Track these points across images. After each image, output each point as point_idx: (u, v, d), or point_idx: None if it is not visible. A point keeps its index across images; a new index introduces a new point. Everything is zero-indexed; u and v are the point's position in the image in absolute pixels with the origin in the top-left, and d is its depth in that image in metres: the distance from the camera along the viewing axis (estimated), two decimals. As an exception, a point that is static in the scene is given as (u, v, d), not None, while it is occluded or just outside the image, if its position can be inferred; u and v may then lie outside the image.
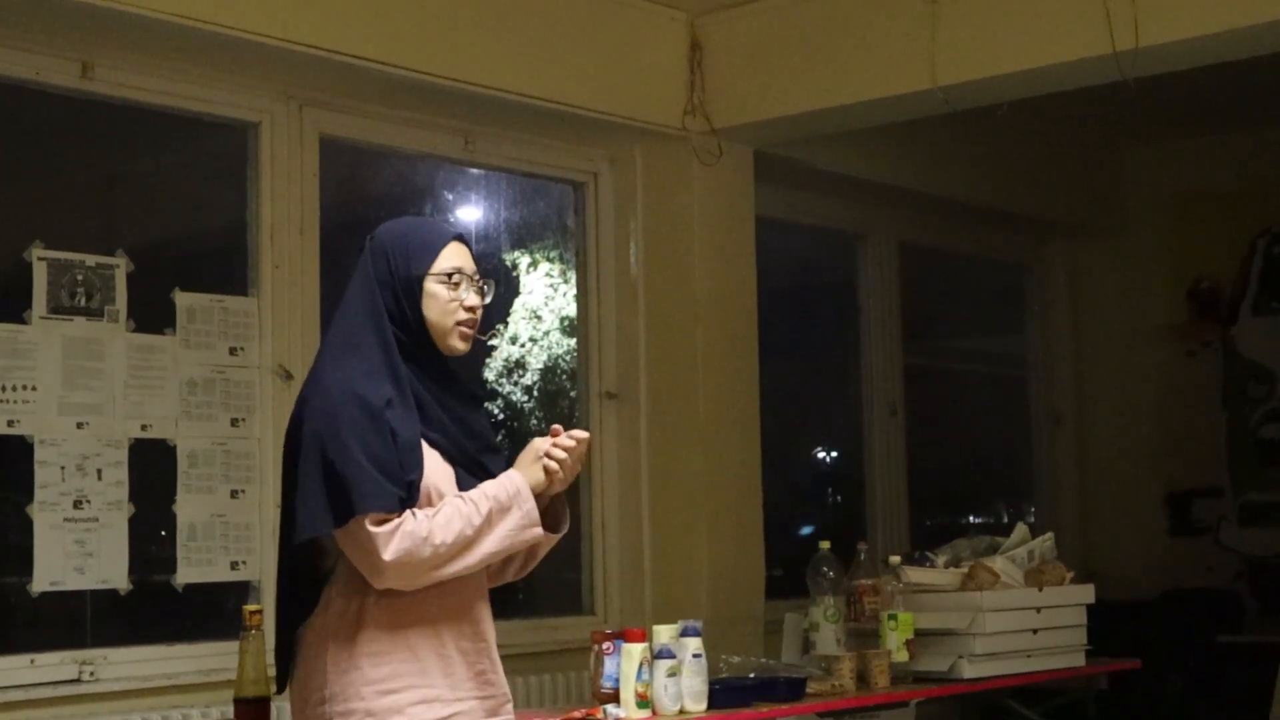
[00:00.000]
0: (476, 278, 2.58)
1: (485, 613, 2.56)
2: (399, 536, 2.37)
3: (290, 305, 4.10)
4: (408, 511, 2.41)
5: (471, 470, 2.56)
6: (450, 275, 2.53)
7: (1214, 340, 6.66)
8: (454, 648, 2.48)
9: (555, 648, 4.46)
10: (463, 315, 2.54)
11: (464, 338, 2.56)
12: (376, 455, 2.38)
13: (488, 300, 2.61)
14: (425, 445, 2.49)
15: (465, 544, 2.42)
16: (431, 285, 2.53)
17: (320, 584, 2.48)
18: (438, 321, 2.53)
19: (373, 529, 2.37)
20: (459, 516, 2.42)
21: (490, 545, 2.45)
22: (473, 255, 2.61)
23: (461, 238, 2.60)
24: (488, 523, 2.44)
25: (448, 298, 2.53)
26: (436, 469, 2.50)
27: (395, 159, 4.58)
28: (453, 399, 2.57)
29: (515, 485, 2.48)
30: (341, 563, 2.46)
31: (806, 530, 6.01)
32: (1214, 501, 6.60)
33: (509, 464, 2.58)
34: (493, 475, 2.57)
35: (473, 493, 2.47)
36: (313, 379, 2.51)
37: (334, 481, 2.38)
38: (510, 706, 2.59)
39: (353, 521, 2.38)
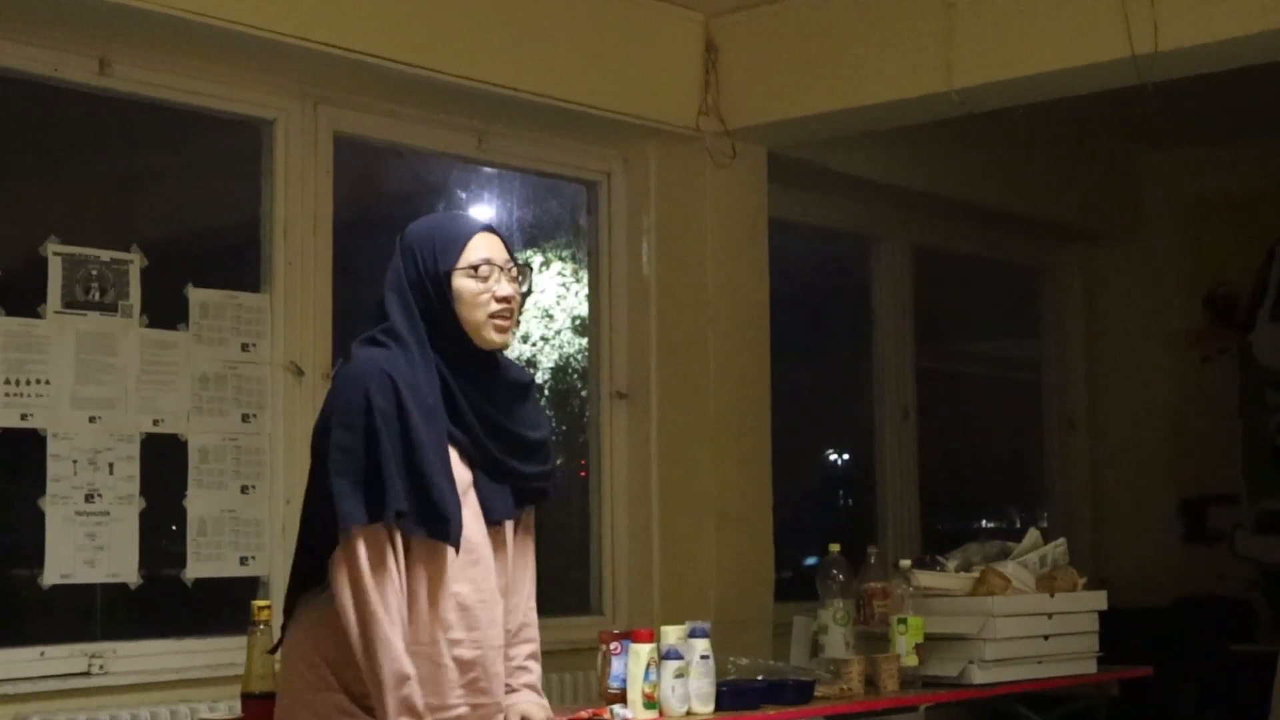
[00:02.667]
0: (510, 266, 2.55)
1: (490, 619, 2.52)
2: (349, 581, 2.36)
3: (303, 302, 4.11)
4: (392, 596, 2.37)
5: (493, 474, 2.53)
6: (477, 268, 2.50)
7: (1230, 347, 6.63)
8: (448, 656, 2.46)
9: (562, 647, 4.45)
10: (495, 307, 2.50)
11: (499, 329, 2.52)
12: (393, 461, 2.37)
13: (525, 288, 2.58)
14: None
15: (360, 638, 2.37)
16: (459, 280, 2.50)
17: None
18: (469, 316, 2.50)
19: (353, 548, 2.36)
20: (380, 654, 2.36)
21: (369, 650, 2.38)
22: (506, 245, 2.58)
23: (490, 228, 2.58)
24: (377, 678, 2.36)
25: (477, 291, 2.50)
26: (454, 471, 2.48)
27: (409, 157, 4.59)
28: (494, 397, 2.53)
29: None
30: None
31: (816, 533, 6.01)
32: (1229, 509, 6.57)
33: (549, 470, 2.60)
34: (519, 476, 2.55)
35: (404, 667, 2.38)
36: (342, 376, 2.48)
37: (371, 480, 2.37)
38: (502, 716, 2.57)
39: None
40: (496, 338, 2.52)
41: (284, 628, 2.55)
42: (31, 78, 3.72)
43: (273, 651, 2.62)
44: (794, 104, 4.72)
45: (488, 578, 2.53)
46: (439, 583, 2.45)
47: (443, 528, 2.42)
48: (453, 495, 2.43)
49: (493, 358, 2.55)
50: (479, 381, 2.52)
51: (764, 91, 4.76)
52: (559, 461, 5.05)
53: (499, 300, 2.51)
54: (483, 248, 2.53)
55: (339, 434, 2.39)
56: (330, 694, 2.43)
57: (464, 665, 2.48)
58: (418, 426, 2.40)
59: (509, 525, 2.59)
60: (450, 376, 2.48)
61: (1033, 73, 4.33)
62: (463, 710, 2.48)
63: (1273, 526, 6.46)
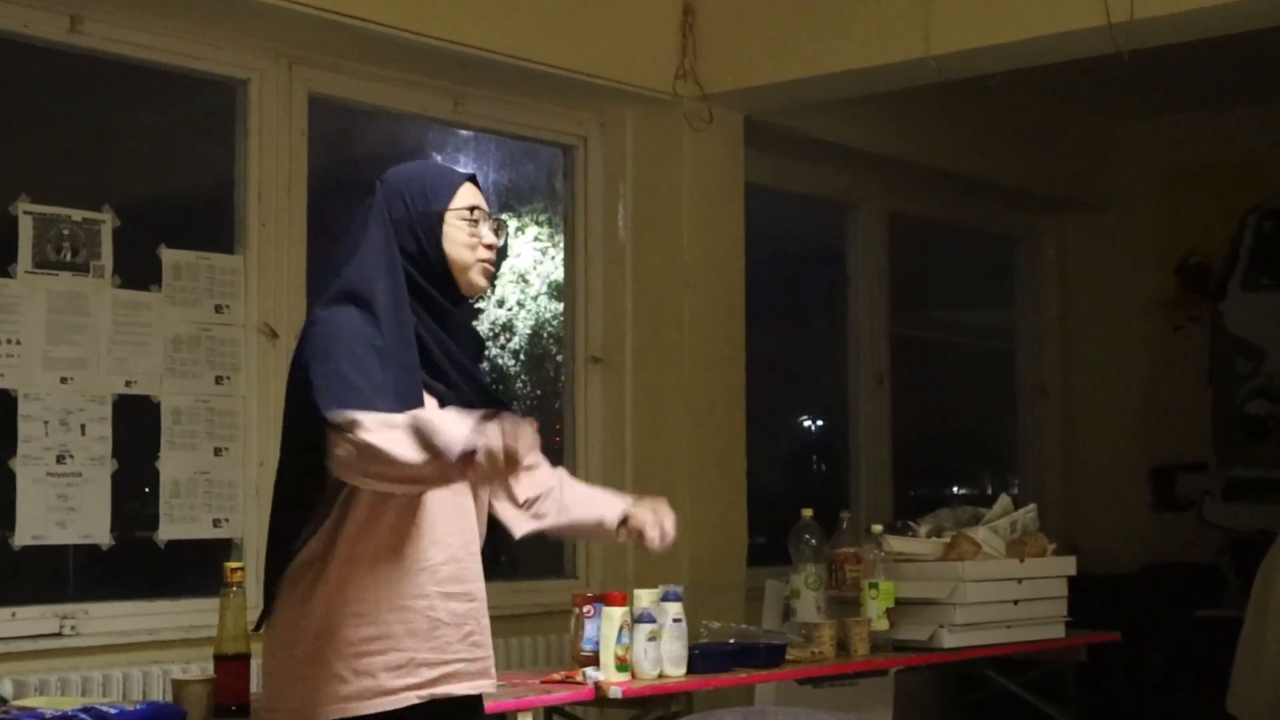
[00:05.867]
0: (493, 219, 2.57)
1: (477, 572, 2.52)
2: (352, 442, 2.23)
3: (277, 264, 4.09)
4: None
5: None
6: (470, 211, 2.52)
7: (1202, 316, 6.68)
8: (443, 610, 2.45)
9: (536, 610, 4.47)
10: (484, 252, 2.52)
11: (486, 274, 2.54)
12: (363, 367, 2.31)
13: (502, 241, 2.59)
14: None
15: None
16: (453, 221, 2.51)
17: (313, 507, 2.41)
18: (459, 258, 2.50)
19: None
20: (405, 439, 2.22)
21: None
22: (485, 197, 2.60)
23: (474, 179, 2.59)
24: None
25: (469, 233, 2.51)
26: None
27: (384, 119, 4.57)
28: (460, 349, 2.53)
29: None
30: (332, 517, 2.42)
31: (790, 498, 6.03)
32: (1198, 477, 6.63)
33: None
34: None
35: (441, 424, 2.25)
36: (321, 328, 2.42)
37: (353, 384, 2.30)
38: (494, 670, 2.56)
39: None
40: (481, 282, 2.54)
41: (269, 602, 2.49)
42: (1, 34, 3.68)
43: (258, 628, 2.59)
44: (771, 69, 4.71)
45: (472, 529, 2.53)
46: (425, 533, 2.44)
47: None
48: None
49: (466, 306, 2.56)
50: (451, 330, 2.52)
51: (741, 56, 4.74)
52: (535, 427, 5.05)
53: (488, 246, 2.53)
54: (472, 195, 2.55)
55: (318, 358, 2.34)
56: (325, 667, 2.39)
57: (459, 619, 2.47)
58: (391, 359, 2.37)
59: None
60: (424, 329, 2.47)
61: (1010, 40, 4.33)
62: (460, 666, 2.47)
63: (1241, 494, 6.53)
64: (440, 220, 2.50)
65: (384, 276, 2.44)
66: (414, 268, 2.47)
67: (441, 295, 2.50)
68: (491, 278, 2.56)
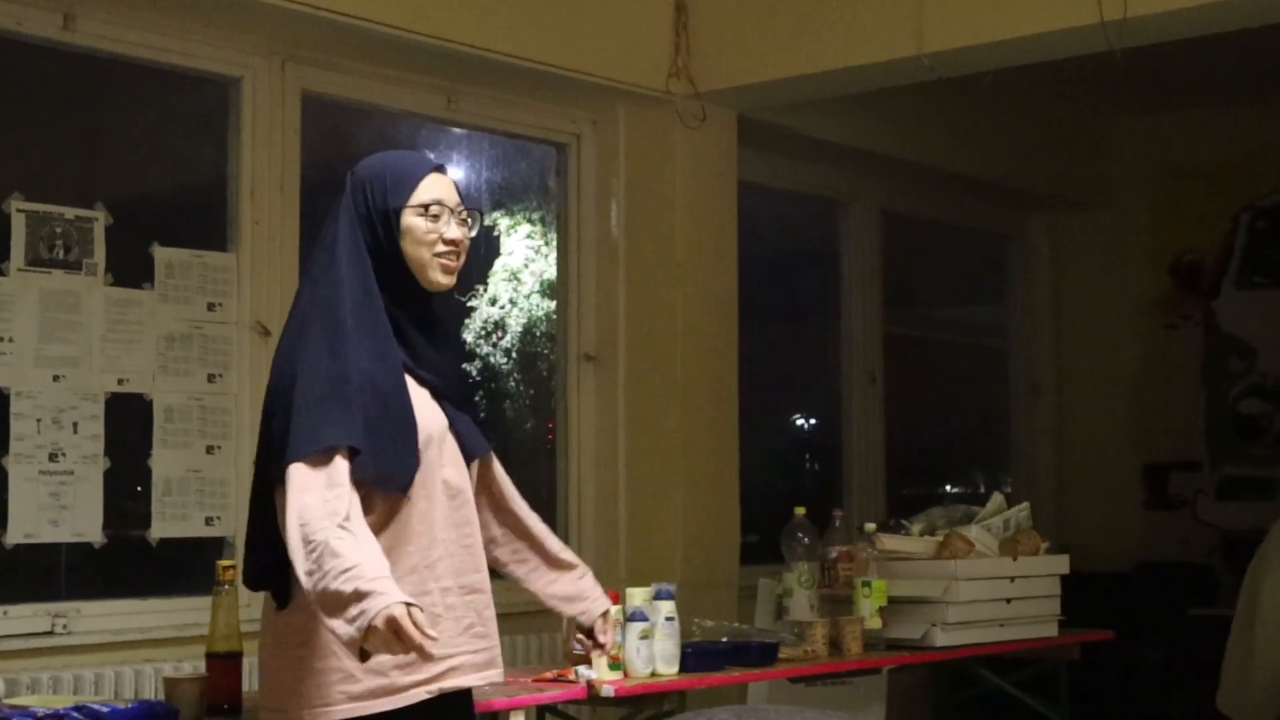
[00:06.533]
0: (460, 209, 2.52)
1: (475, 565, 2.52)
2: (295, 502, 2.27)
3: (269, 262, 4.09)
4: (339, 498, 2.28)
5: (460, 403, 2.53)
6: (428, 207, 2.48)
7: (1195, 314, 6.68)
8: (441, 605, 2.45)
9: (528, 609, 4.41)
10: (441, 248, 2.47)
11: (446, 270, 2.49)
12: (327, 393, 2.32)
13: (473, 233, 2.55)
14: (414, 384, 2.45)
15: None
16: (409, 218, 2.47)
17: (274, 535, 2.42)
18: (415, 255, 2.47)
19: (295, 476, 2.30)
20: (311, 559, 2.22)
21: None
22: (456, 188, 2.55)
23: (442, 169, 2.55)
24: (322, 588, 2.21)
25: (425, 229, 2.47)
26: (426, 409, 2.46)
27: (377, 117, 4.56)
28: (436, 336, 2.52)
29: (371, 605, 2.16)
30: None
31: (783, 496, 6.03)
32: (1191, 475, 6.64)
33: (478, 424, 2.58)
34: (472, 417, 2.55)
35: (352, 563, 2.20)
36: (286, 340, 2.47)
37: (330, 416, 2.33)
38: (500, 659, 2.55)
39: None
40: (442, 279, 2.50)
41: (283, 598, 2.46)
42: (-6, 32, 3.68)
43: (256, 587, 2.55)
44: (764, 67, 4.71)
45: (470, 522, 2.53)
46: (425, 531, 2.44)
47: (400, 477, 2.38)
48: (411, 440, 2.40)
49: (432, 303, 2.53)
50: (425, 322, 2.51)
51: (734, 54, 4.74)
52: (528, 426, 5.06)
53: (446, 242, 2.49)
54: (435, 188, 2.50)
55: (304, 384, 2.37)
56: (334, 659, 2.38)
57: (457, 613, 2.47)
58: (383, 390, 2.38)
59: (475, 467, 2.59)
60: (402, 318, 2.46)
61: (1003, 38, 4.33)
62: (464, 658, 2.47)
63: (1234, 493, 6.53)
64: (397, 217, 2.47)
65: (352, 275, 2.42)
66: (379, 263, 2.45)
67: (407, 291, 2.48)
68: (454, 272, 2.51)
